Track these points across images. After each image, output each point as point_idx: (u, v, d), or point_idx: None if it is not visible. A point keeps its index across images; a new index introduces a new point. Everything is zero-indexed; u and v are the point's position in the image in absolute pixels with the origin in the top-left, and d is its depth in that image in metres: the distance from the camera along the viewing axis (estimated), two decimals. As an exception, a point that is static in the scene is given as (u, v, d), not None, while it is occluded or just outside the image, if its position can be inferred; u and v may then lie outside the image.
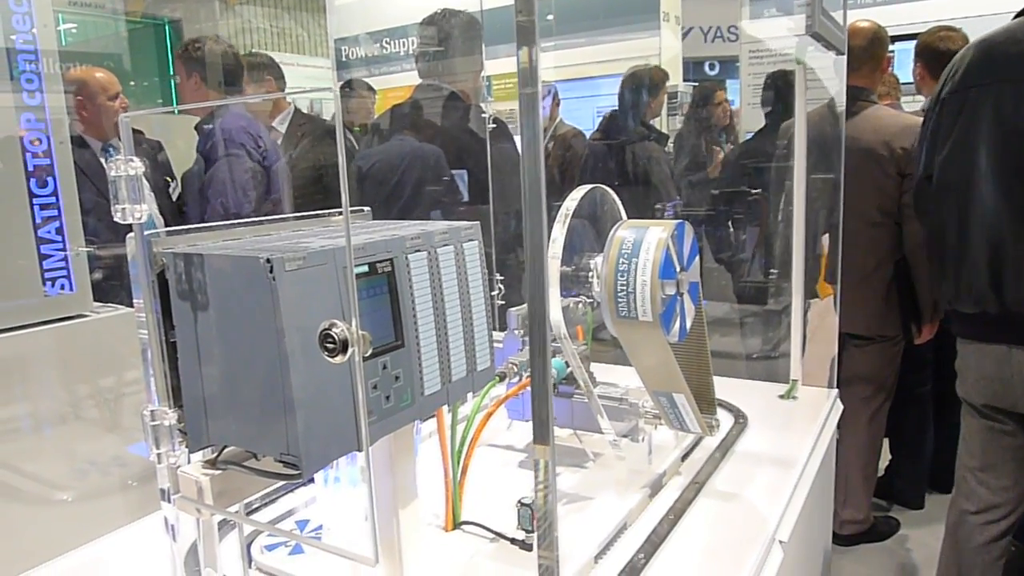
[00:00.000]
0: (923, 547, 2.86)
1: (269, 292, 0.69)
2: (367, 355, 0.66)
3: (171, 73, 5.34)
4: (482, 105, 2.93)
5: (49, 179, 2.03)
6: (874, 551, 2.86)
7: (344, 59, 5.06)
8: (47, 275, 2.01)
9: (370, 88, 3.90)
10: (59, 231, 2.04)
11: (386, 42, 4.95)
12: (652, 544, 1.08)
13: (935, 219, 1.93)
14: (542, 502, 0.60)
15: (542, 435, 0.59)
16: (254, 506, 1.23)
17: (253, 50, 5.76)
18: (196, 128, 2.74)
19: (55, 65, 2.04)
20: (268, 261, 0.68)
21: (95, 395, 1.97)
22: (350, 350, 0.61)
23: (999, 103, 1.74)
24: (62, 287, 2.04)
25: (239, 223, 0.89)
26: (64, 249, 2.05)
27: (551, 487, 0.59)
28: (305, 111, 3.48)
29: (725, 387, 1.36)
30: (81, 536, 1.17)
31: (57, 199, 2.05)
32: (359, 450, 0.77)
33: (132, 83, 4.95)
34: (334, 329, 0.61)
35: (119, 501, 1.98)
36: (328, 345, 0.62)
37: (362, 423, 0.67)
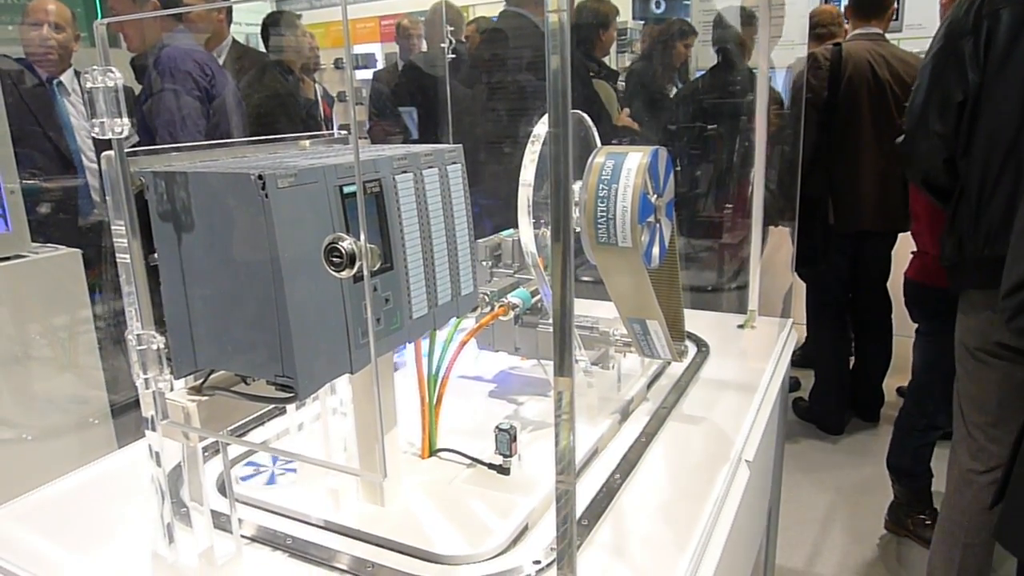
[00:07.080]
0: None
1: (261, 210, 0.66)
2: (365, 272, 0.65)
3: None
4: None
5: (-21, 109, 1.91)
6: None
7: (283, -10, 4.85)
8: (-20, 213, 1.91)
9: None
10: (-8, 165, 1.94)
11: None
12: (626, 466, 1.11)
13: (975, 149, 1.67)
14: (564, 434, 0.60)
15: (564, 369, 0.60)
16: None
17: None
18: (132, 64, 2.62)
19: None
20: (260, 178, 0.66)
21: (47, 334, 1.89)
22: (357, 264, 0.60)
23: None
24: (-3, 226, 1.94)
25: (212, 144, 0.85)
26: (-2, 184, 1.95)
27: (571, 419, 0.60)
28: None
29: (686, 317, 1.39)
30: (45, 473, 1.14)
31: (-12, 131, 1.94)
32: (352, 372, 0.77)
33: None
34: (342, 243, 0.60)
35: (82, 438, 1.93)
36: (334, 259, 0.60)
37: (371, 336, 0.66)
